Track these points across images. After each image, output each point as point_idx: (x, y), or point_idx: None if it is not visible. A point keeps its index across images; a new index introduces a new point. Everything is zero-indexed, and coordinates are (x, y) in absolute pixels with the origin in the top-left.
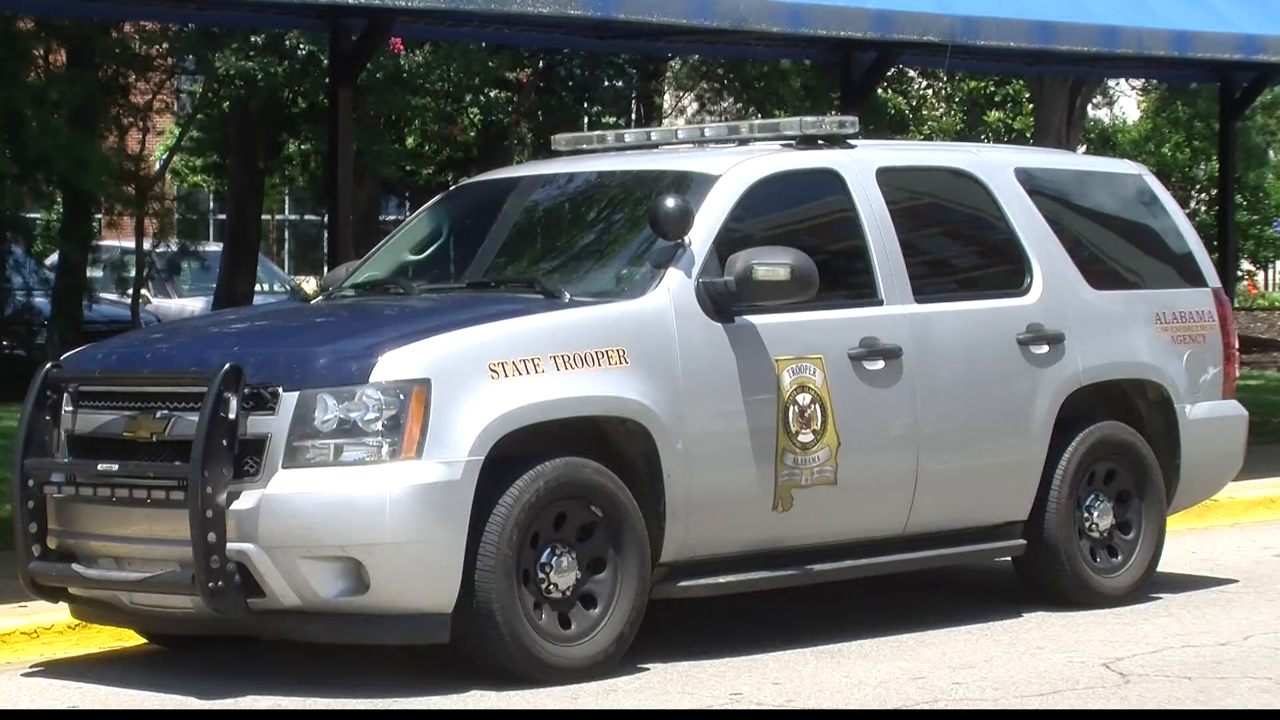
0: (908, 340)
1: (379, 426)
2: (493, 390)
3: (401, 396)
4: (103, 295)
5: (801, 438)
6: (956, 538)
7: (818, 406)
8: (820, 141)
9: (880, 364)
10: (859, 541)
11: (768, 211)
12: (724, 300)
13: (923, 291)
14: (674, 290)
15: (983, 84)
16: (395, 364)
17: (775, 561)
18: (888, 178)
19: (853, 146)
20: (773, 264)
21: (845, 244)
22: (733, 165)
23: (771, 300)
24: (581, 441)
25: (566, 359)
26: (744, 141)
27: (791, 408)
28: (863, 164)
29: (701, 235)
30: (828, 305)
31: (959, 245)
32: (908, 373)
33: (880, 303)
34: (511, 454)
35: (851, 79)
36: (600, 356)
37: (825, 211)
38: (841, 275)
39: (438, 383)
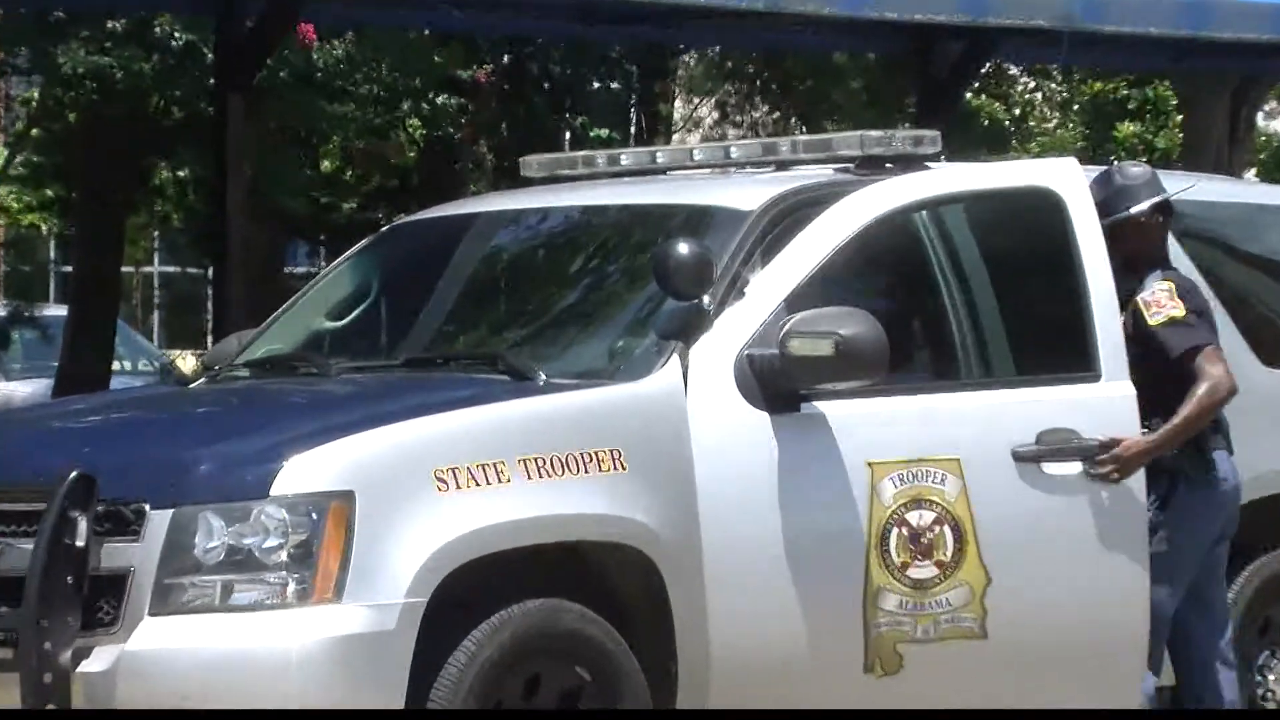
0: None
1: (283, 557)
2: (440, 506)
3: (314, 516)
4: None
5: (914, 572)
6: None
7: (947, 528)
8: (889, 164)
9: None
10: None
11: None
12: (772, 380)
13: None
14: (691, 368)
15: (1112, 86)
16: (306, 471)
17: None
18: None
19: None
20: (812, 335)
21: None
22: (769, 197)
23: (815, 384)
24: (561, 577)
25: (540, 463)
26: (784, 164)
27: (895, 530)
28: None
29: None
30: (965, 385)
31: None
32: None
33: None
34: (466, 594)
35: (933, 78)
36: (586, 460)
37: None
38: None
39: (364, 496)
